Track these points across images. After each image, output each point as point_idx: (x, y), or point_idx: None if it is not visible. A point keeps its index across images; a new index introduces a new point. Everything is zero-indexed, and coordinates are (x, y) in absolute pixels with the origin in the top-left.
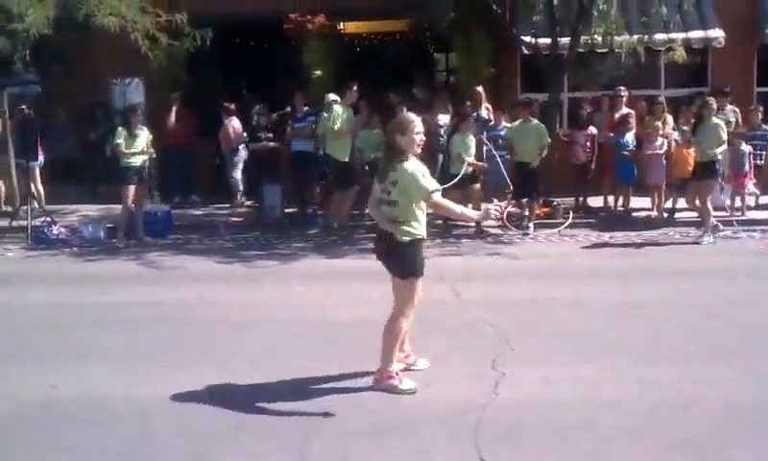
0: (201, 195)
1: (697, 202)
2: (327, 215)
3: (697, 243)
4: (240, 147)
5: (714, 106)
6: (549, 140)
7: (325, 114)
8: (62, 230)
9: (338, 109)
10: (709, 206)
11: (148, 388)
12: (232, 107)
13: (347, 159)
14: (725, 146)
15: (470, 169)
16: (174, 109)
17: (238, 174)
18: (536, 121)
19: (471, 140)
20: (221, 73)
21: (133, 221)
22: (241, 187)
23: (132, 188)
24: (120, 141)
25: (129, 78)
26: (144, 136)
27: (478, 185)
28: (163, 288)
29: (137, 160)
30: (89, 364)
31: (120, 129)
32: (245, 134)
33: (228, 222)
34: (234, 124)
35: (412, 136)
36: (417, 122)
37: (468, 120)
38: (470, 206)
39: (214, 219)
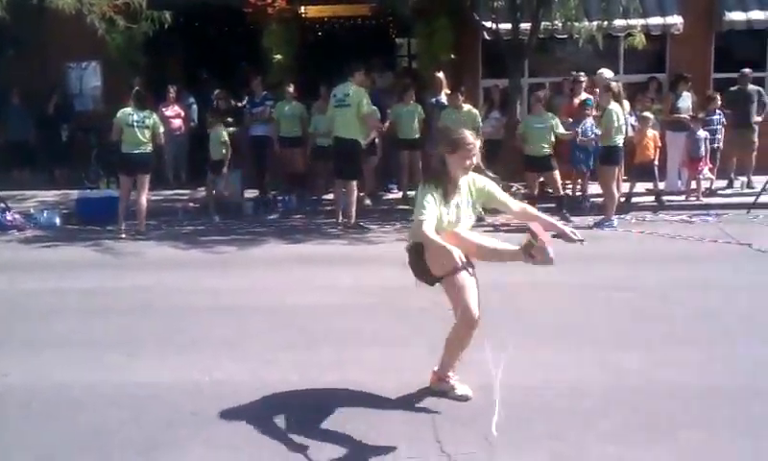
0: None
1: (612, 187)
2: (344, 209)
3: (598, 228)
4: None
5: (615, 91)
6: (481, 124)
7: (342, 97)
8: (17, 216)
9: (362, 92)
10: (614, 191)
11: (105, 375)
12: (172, 94)
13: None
14: (621, 133)
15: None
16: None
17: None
18: (468, 106)
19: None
20: (181, 57)
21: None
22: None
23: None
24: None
25: (86, 61)
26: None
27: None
28: (121, 275)
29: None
30: (45, 352)
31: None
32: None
33: (187, 208)
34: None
35: (461, 156)
36: (472, 142)
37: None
38: None
39: (172, 205)
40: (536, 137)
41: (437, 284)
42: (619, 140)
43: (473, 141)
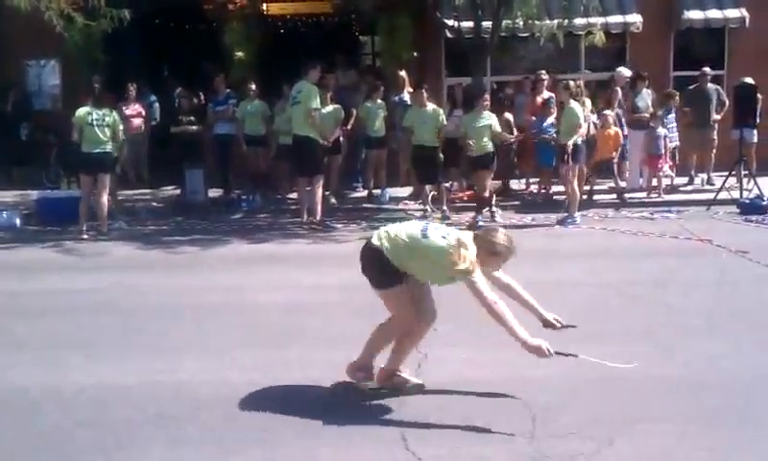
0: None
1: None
2: (310, 207)
3: (562, 225)
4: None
5: (573, 89)
6: (445, 123)
7: (295, 95)
8: None
9: (312, 89)
10: (575, 189)
11: (65, 377)
12: (132, 92)
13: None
14: (581, 130)
15: None
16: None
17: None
18: (433, 105)
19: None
20: (142, 55)
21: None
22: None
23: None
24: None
25: (44, 59)
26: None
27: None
28: (82, 276)
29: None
30: (5, 353)
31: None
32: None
33: (150, 207)
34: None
35: (497, 260)
36: (512, 252)
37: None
38: None
39: (135, 204)
40: (477, 136)
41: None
42: (580, 138)
43: (513, 251)
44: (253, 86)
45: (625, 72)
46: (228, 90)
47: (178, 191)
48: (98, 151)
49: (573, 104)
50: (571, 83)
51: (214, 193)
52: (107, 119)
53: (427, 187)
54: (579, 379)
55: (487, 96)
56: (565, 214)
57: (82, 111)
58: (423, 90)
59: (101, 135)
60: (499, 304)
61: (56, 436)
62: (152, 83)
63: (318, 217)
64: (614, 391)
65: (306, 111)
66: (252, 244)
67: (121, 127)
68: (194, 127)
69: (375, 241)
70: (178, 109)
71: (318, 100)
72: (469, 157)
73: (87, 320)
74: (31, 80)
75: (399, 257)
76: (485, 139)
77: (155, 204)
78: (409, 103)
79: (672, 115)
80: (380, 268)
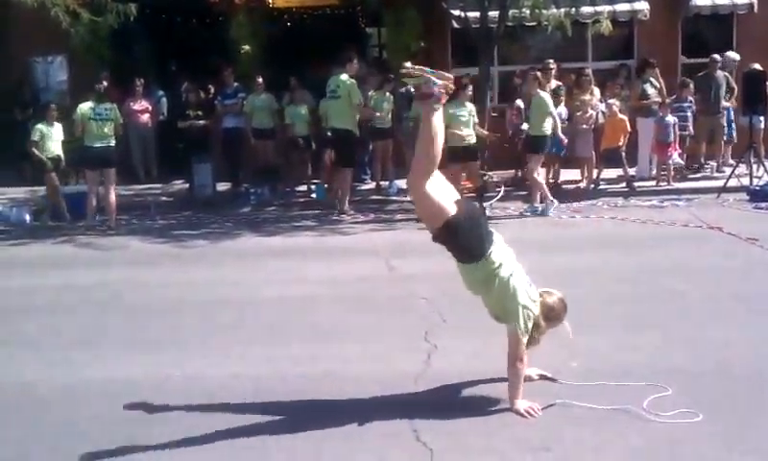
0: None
1: (535, 174)
2: (338, 196)
3: (525, 216)
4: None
5: (540, 79)
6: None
7: (334, 89)
8: None
9: (353, 83)
10: (537, 178)
11: (74, 372)
12: (140, 88)
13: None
14: (550, 120)
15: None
16: (102, 87)
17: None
18: None
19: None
20: (149, 50)
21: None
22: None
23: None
24: (35, 140)
25: (51, 56)
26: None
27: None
28: (92, 271)
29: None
30: (15, 350)
31: (37, 127)
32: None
33: (159, 202)
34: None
35: (551, 325)
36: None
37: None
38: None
39: (144, 199)
40: (463, 126)
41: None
42: (547, 128)
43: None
44: (260, 80)
45: (734, 56)
46: (237, 84)
47: (186, 185)
48: (99, 145)
49: (542, 93)
50: (538, 72)
51: (222, 187)
52: (108, 114)
53: None
54: (592, 370)
55: (470, 87)
56: (532, 205)
57: (84, 106)
58: None
59: (104, 130)
60: (523, 366)
61: (66, 432)
62: (159, 77)
63: (345, 206)
64: (623, 379)
65: (351, 105)
66: (260, 237)
67: (121, 121)
68: (201, 121)
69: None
70: (185, 103)
71: (360, 93)
72: (456, 147)
73: (97, 315)
74: (38, 76)
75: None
76: (468, 130)
77: (163, 198)
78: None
79: (687, 104)
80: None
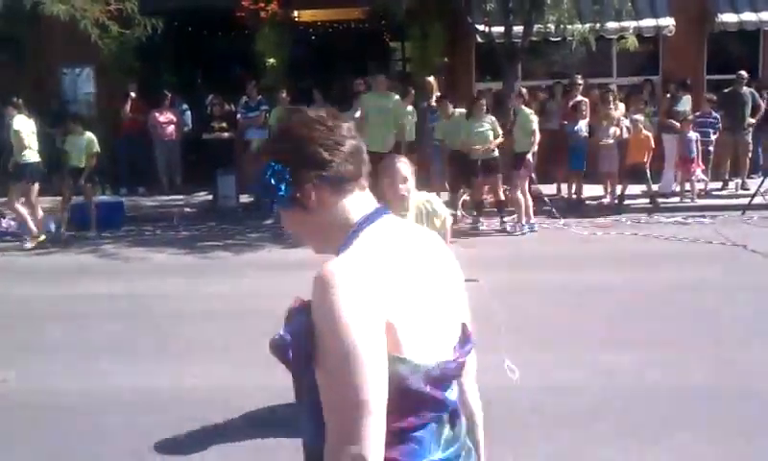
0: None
1: (519, 193)
2: None
3: (509, 233)
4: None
5: (526, 97)
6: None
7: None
8: (12, 223)
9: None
10: (519, 197)
11: (100, 381)
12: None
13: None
14: (534, 137)
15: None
16: (129, 99)
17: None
18: (460, 111)
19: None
20: (175, 62)
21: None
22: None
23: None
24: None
25: (79, 67)
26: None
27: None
28: (117, 281)
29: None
30: (40, 358)
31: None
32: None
33: (183, 213)
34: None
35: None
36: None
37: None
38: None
39: (168, 210)
40: (481, 141)
41: None
42: (533, 146)
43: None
44: (284, 94)
45: None
46: (260, 97)
47: (210, 197)
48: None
49: (526, 110)
50: (524, 89)
51: (246, 198)
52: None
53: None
54: (611, 387)
55: (484, 100)
56: (519, 222)
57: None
58: (447, 101)
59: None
60: None
61: (90, 440)
62: (184, 90)
63: None
64: (648, 398)
65: (397, 126)
66: (284, 249)
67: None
68: (226, 133)
69: None
70: (210, 115)
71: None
72: (475, 162)
73: (122, 324)
74: (66, 87)
75: None
76: (487, 143)
77: (187, 209)
78: (436, 108)
79: (711, 120)
80: None
